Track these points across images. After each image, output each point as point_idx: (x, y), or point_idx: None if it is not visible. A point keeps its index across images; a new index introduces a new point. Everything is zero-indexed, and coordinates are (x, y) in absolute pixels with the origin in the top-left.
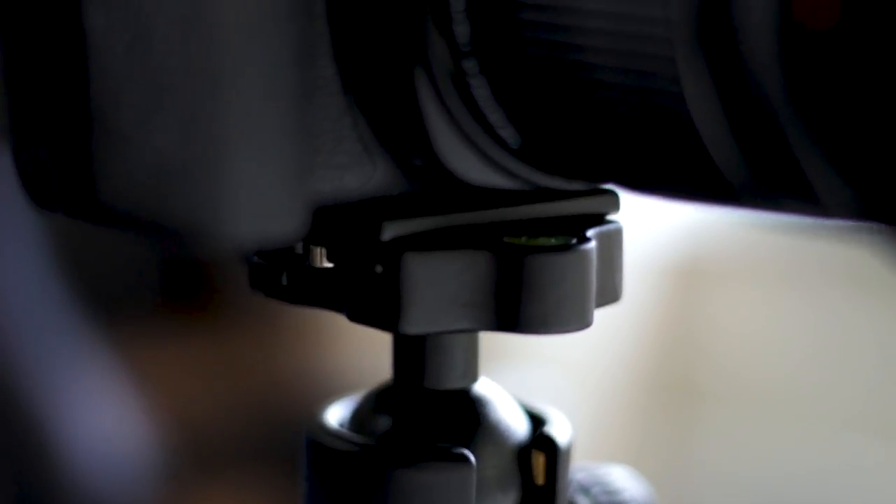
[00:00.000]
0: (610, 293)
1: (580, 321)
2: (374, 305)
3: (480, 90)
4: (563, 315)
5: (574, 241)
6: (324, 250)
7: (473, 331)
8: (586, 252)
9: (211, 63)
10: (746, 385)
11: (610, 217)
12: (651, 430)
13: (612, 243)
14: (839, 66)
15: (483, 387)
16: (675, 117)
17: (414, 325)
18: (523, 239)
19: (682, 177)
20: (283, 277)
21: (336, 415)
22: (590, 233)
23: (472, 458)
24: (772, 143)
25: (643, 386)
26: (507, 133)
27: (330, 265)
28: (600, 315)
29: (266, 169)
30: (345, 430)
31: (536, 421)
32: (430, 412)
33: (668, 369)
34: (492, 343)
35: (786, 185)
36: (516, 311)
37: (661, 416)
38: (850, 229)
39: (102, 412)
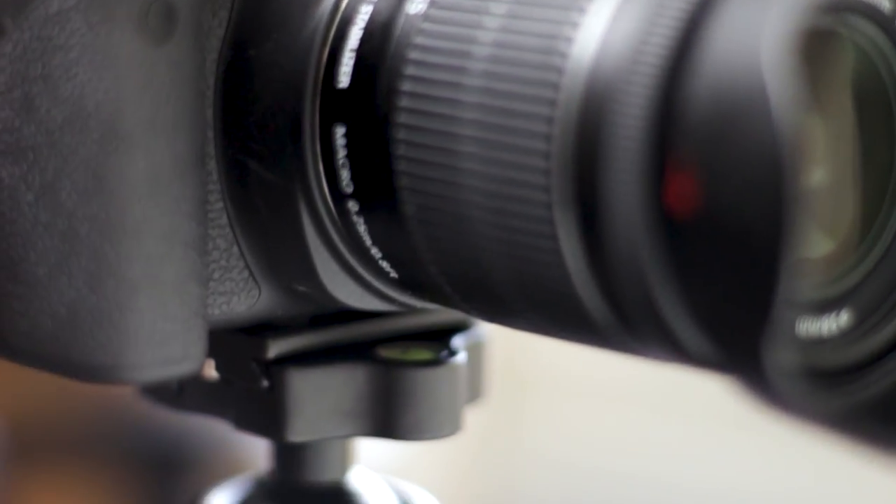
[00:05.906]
0: (475, 391)
1: (452, 427)
2: (261, 417)
3: (361, 227)
4: (436, 423)
5: (445, 353)
6: (212, 361)
7: (352, 436)
8: (456, 365)
9: (114, 218)
10: (568, 373)
11: (474, 326)
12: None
13: (478, 352)
14: (702, 244)
15: (357, 477)
16: (548, 269)
17: (297, 434)
18: (398, 352)
19: (553, 320)
20: (175, 386)
21: None
22: (459, 345)
23: None
24: (639, 299)
25: None
26: (387, 265)
27: (217, 376)
28: None
29: (166, 310)
30: None
31: None
32: None
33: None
34: None
35: (653, 337)
36: (392, 420)
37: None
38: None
39: None
